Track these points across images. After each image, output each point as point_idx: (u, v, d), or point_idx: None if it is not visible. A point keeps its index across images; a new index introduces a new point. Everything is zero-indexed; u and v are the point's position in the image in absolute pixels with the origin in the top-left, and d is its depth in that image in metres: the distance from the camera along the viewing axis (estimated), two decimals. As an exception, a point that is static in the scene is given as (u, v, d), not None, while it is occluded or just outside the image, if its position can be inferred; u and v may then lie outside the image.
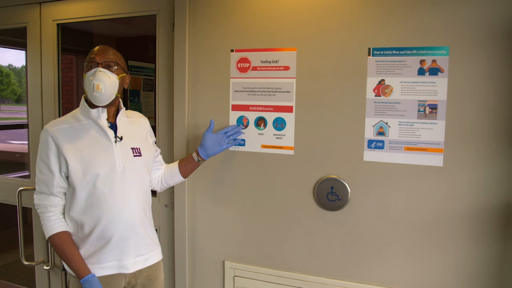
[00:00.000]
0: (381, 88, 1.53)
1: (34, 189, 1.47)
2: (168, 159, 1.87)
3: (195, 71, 1.82)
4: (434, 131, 1.48)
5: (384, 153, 1.55)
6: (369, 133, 1.56)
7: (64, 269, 2.19)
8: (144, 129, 1.61)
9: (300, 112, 1.66)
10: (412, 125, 1.51)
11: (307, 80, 1.64)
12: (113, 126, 1.48)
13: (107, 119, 1.46)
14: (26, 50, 2.26)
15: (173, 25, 1.84)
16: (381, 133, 1.55)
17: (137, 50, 3.66)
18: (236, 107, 1.76)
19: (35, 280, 2.36)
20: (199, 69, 1.81)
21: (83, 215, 1.41)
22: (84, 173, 1.39)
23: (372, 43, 1.53)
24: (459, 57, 1.43)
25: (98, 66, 1.40)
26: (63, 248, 1.39)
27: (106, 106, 1.44)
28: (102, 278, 1.41)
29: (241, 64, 1.73)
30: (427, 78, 1.48)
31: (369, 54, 1.54)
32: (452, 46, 1.44)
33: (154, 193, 1.73)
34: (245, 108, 1.74)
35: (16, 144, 7.10)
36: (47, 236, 1.41)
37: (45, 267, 2.24)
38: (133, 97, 3.16)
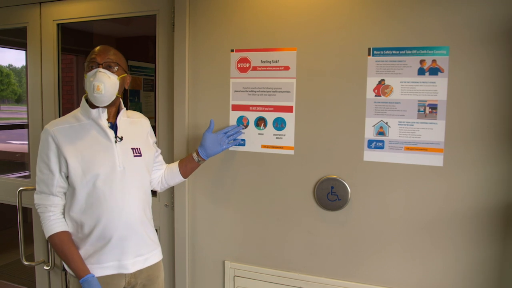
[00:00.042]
0: (381, 88, 1.54)
1: (34, 189, 1.47)
2: (168, 159, 1.88)
3: (195, 71, 1.82)
4: (434, 131, 1.48)
5: (384, 153, 1.55)
6: (369, 133, 1.56)
7: (64, 269, 2.19)
8: (145, 129, 1.61)
9: (300, 112, 1.66)
10: (412, 125, 1.51)
11: (307, 80, 1.64)
12: (114, 126, 1.48)
13: (108, 119, 1.46)
14: (26, 50, 2.26)
15: (173, 25, 1.84)
16: (381, 133, 1.55)
17: (137, 50, 3.66)
18: (236, 107, 1.76)
19: (35, 280, 2.36)
20: (199, 69, 1.81)
21: (83, 215, 1.41)
22: (84, 173, 1.39)
23: (372, 43, 1.53)
24: (459, 57, 1.43)
25: (98, 67, 1.40)
26: (62, 248, 1.39)
27: (107, 107, 1.44)
28: (102, 278, 1.41)
29: (241, 64, 1.73)
30: (427, 78, 1.48)
31: (369, 54, 1.54)
32: (452, 46, 1.44)
33: (154, 193, 1.73)
34: (245, 108, 1.74)
35: (16, 144, 7.10)
36: (47, 235, 1.41)
37: (45, 267, 2.24)
38: (133, 97, 3.16)
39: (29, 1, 2.18)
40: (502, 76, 1.39)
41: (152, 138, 1.64)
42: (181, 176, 1.70)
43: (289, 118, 1.68)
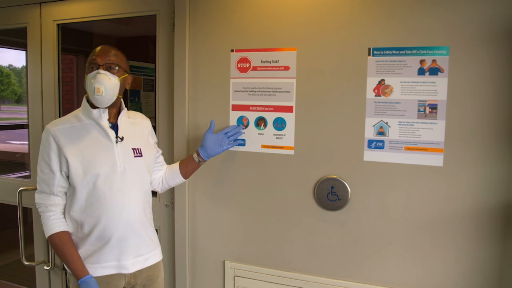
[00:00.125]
0: (381, 88, 1.54)
1: (35, 189, 1.47)
2: (168, 159, 1.88)
3: (195, 71, 1.82)
4: (434, 131, 1.48)
5: (384, 153, 1.55)
6: (369, 133, 1.56)
7: (64, 268, 2.20)
8: (146, 130, 1.61)
9: (300, 112, 1.66)
10: (412, 125, 1.51)
11: (307, 80, 1.64)
12: (115, 127, 1.48)
13: (109, 120, 1.47)
14: (26, 50, 2.26)
15: (173, 25, 1.84)
16: (381, 133, 1.55)
17: (137, 50, 3.66)
18: (236, 107, 1.76)
19: (36, 280, 2.36)
20: (199, 69, 1.81)
21: (83, 215, 1.41)
22: (84, 172, 1.39)
23: (372, 43, 1.53)
24: (459, 57, 1.43)
25: (99, 68, 1.40)
26: (62, 248, 1.40)
27: (108, 107, 1.45)
28: (102, 278, 1.41)
29: (241, 64, 1.73)
30: (427, 78, 1.48)
31: (369, 54, 1.54)
32: (452, 46, 1.44)
33: (154, 193, 1.73)
34: (245, 108, 1.74)
35: (16, 144, 7.11)
36: (47, 235, 1.41)
37: (45, 267, 2.24)
38: (133, 97, 3.16)
39: (29, 1, 2.18)
40: (502, 76, 1.39)
41: (153, 139, 1.64)
42: (182, 177, 1.70)
43: (289, 118, 1.68)
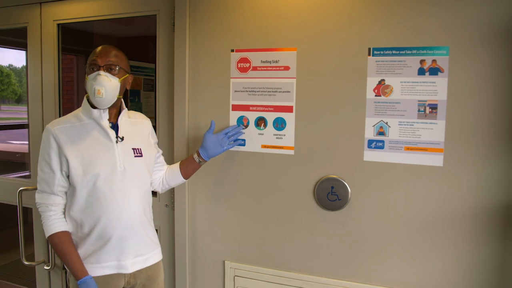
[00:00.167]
0: (381, 88, 1.54)
1: (35, 189, 1.47)
2: (169, 159, 1.88)
3: (195, 71, 1.82)
4: (434, 131, 1.48)
5: (384, 153, 1.55)
6: (369, 133, 1.56)
7: (64, 268, 2.20)
8: (146, 130, 1.61)
9: (300, 112, 1.66)
10: (412, 125, 1.51)
11: (307, 80, 1.64)
12: (115, 127, 1.48)
13: (109, 119, 1.47)
14: (26, 50, 2.26)
15: (173, 25, 1.84)
16: (381, 133, 1.55)
17: (137, 50, 3.66)
18: (236, 107, 1.76)
19: (36, 280, 2.36)
20: (199, 69, 1.81)
21: (83, 215, 1.41)
22: (84, 172, 1.39)
23: (372, 43, 1.53)
24: (459, 57, 1.43)
25: (99, 69, 1.40)
26: (62, 248, 1.40)
27: (108, 107, 1.45)
28: (101, 278, 1.42)
29: (241, 64, 1.73)
30: (427, 78, 1.48)
31: (369, 54, 1.54)
32: (452, 46, 1.44)
33: (154, 193, 1.73)
34: (245, 108, 1.74)
35: (17, 144, 7.11)
36: (47, 235, 1.42)
37: (45, 267, 2.24)
38: (133, 97, 3.16)
39: (29, 1, 2.18)
40: (502, 76, 1.39)
41: (153, 139, 1.64)
42: (182, 177, 1.70)
43: (289, 118, 1.68)
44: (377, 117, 1.55)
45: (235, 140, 1.73)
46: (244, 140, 1.76)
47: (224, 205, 1.82)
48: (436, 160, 1.49)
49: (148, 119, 1.65)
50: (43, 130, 1.45)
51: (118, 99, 1.46)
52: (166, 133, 1.93)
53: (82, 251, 1.42)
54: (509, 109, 1.39)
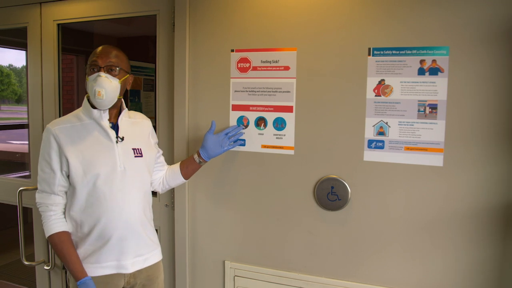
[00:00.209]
0: (381, 88, 1.54)
1: (35, 189, 1.47)
2: (169, 160, 1.88)
3: (195, 71, 1.82)
4: (434, 131, 1.48)
5: (384, 153, 1.55)
6: (369, 133, 1.56)
7: (64, 268, 2.20)
8: (146, 130, 1.61)
9: (300, 112, 1.66)
10: (412, 125, 1.51)
11: (307, 80, 1.64)
12: (115, 127, 1.48)
13: (109, 120, 1.47)
14: (26, 50, 2.26)
15: (173, 25, 1.84)
16: (381, 133, 1.55)
17: (137, 50, 3.66)
18: (236, 107, 1.76)
19: (36, 280, 2.36)
20: (199, 69, 1.81)
21: (83, 214, 1.41)
22: (84, 172, 1.39)
23: (372, 43, 1.53)
24: (459, 57, 1.43)
25: (100, 70, 1.40)
26: (62, 248, 1.40)
27: (108, 108, 1.44)
28: (101, 278, 1.42)
29: (241, 64, 1.73)
30: (427, 78, 1.48)
31: (369, 54, 1.54)
32: (452, 46, 1.44)
33: (154, 193, 1.73)
34: (245, 108, 1.74)
35: (17, 144, 7.11)
36: (47, 235, 1.42)
37: (45, 267, 2.24)
38: (134, 97, 3.16)
39: (29, 1, 2.19)
40: (502, 76, 1.39)
41: (153, 139, 1.64)
42: (182, 178, 1.70)
43: (289, 118, 1.68)
44: (377, 117, 1.55)
45: (235, 141, 1.73)
46: (244, 140, 1.76)
47: (224, 205, 1.82)
48: (436, 160, 1.49)
49: (148, 119, 1.65)
50: (43, 130, 1.45)
51: (119, 99, 1.46)
52: (166, 133, 1.93)
53: (82, 251, 1.42)
54: (509, 109, 1.39)
